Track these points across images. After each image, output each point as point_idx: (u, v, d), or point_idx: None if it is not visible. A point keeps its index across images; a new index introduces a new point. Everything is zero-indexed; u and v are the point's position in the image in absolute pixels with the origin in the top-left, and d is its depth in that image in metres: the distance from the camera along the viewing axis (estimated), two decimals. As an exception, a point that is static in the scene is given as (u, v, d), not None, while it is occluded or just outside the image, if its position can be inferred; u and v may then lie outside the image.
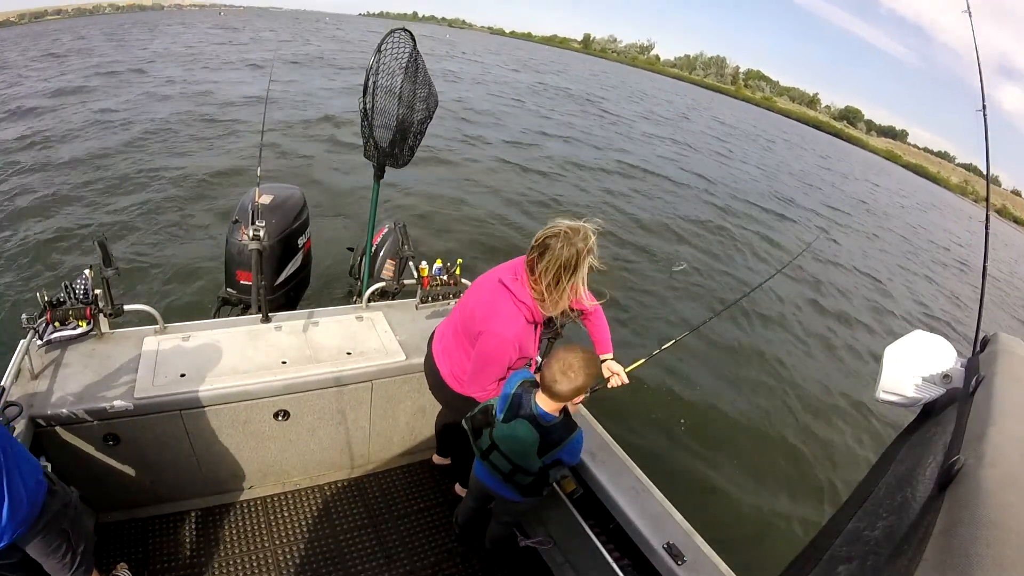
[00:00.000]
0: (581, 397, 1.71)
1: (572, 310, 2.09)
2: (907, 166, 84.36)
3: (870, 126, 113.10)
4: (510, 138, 14.47)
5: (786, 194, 16.66)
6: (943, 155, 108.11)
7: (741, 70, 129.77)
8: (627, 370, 1.97)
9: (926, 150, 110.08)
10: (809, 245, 3.79)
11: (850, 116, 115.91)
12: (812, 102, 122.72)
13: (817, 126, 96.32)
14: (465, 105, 17.55)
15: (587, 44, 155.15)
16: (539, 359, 2.10)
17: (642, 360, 2.07)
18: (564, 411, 1.69)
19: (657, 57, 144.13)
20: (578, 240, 1.61)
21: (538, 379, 1.67)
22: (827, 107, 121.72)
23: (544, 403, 1.64)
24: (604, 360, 1.98)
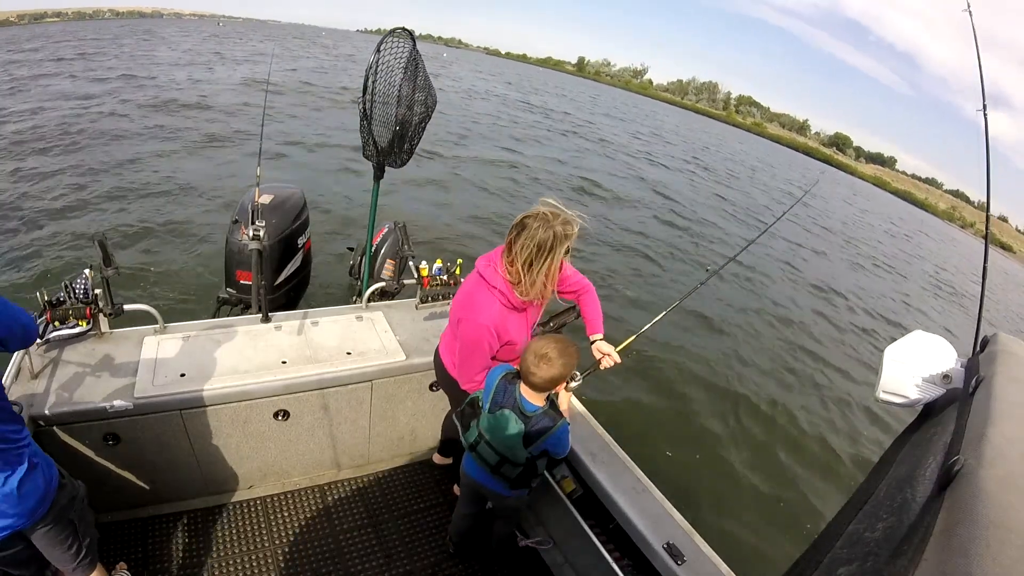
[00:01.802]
0: (563, 385, 1.70)
1: (572, 309, 2.09)
2: (895, 192, 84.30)
3: (859, 152, 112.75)
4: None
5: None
6: (931, 181, 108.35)
7: (732, 96, 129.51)
8: (618, 349, 1.90)
9: (914, 176, 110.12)
10: (808, 191, 3.92)
11: (839, 143, 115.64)
12: (802, 128, 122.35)
13: (808, 152, 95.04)
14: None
15: (581, 67, 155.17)
16: None
17: (632, 337, 2.00)
18: (550, 402, 1.69)
19: (650, 81, 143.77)
20: (556, 223, 1.58)
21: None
22: (816, 134, 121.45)
23: (527, 393, 1.65)
24: (594, 341, 1.95)
